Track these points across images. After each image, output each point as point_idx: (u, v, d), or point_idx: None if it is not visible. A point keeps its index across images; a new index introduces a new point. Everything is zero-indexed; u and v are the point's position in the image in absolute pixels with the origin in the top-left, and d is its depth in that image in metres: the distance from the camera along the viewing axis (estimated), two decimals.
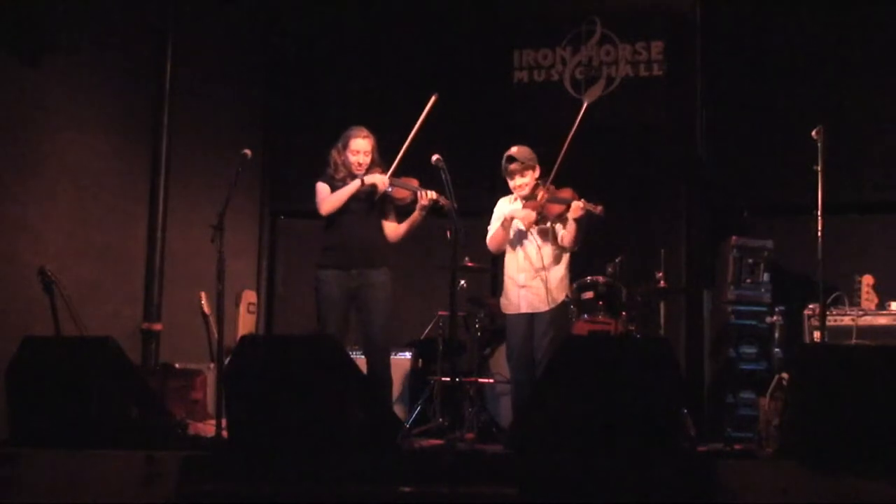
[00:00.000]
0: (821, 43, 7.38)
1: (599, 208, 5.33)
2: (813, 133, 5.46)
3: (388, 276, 5.56)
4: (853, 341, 5.93)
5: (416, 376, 6.96)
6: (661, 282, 6.54)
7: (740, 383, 6.42)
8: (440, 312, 6.78)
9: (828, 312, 5.80)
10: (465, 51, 7.87)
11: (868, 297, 6.15)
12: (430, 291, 7.23)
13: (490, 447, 5.31)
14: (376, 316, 5.50)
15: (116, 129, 6.90)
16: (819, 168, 5.40)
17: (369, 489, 4.24)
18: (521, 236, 5.53)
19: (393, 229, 5.65)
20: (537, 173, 5.54)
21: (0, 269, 6.02)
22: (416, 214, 5.53)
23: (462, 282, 6.61)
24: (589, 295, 6.37)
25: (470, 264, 6.56)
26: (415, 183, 5.54)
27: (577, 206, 5.31)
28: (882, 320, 6.10)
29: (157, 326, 6.94)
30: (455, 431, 5.64)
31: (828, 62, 7.35)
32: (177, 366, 6.57)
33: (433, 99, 5.55)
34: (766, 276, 6.61)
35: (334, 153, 5.63)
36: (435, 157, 5.23)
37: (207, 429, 5.70)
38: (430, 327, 7.03)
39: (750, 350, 6.48)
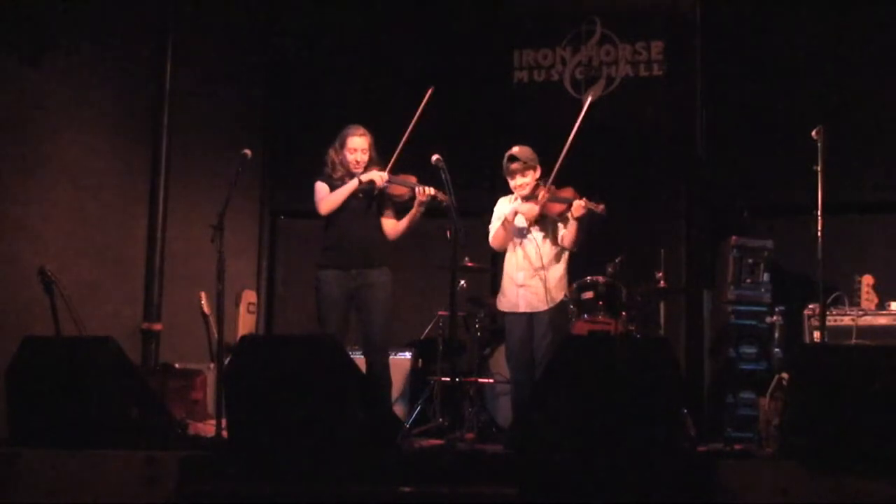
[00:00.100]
0: (821, 43, 7.37)
1: (601, 207, 5.34)
2: (813, 133, 5.46)
3: (388, 276, 5.56)
4: (853, 341, 5.93)
5: (416, 376, 6.96)
6: (661, 282, 6.54)
7: (740, 383, 6.41)
8: (440, 312, 6.78)
9: (828, 312, 5.80)
10: (465, 51, 7.86)
11: (868, 297, 6.15)
12: (430, 291, 7.23)
13: (490, 447, 5.31)
14: (376, 316, 5.50)
15: (116, 129, 6.91)
16: (819, 168, 5.40)
17: (369, 489, 4.24)
18: (520, 235, 5.53)
19: (392, 226, 5.65)
20: (538, 173, 5.53)
21: (0, 269, 6.02)
22: (414, 210, 5.53)
23: (462, 282, 6.61)
24: (589, 295, 6.37)
25: (470, 264, 6.56)
26: (413, 180, 5.55)
27: (579, 205, 5.31)
28: (882, 320, 6.10)
29: (157, 326, 6.95)
30: (455, 431, 5.64)
31: (828, 62, 7.34)
32: (177, 366, 6.57)
33: (429, 92, 5.56)
34: (766, 276, 6.60)
35: (332, 152, 5.64)
36: (435, 157, 5.24)
37: (207, 429, 5.70)
38: (430, 327, 7.03)
39: (750, 350, 6.47)
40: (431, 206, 5.52)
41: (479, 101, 7.78)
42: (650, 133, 7.57)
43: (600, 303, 6.35)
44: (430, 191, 5.45)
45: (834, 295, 6.02)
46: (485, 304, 6.85)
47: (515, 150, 5.52)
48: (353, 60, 8.03)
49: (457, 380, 6.00)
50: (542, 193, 5.44)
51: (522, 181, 5.51)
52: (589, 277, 6.38)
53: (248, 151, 5.48)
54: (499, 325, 6.56)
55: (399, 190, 5.56)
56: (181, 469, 4.36)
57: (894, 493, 3.94)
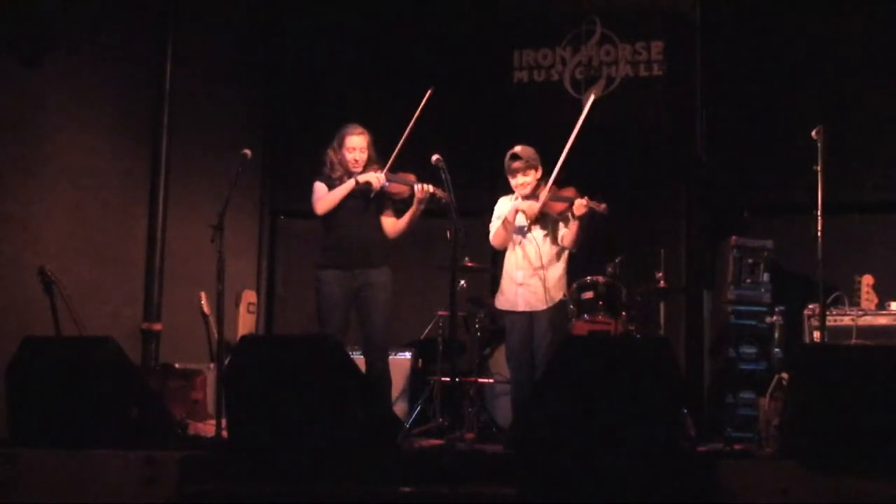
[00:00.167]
0: (821, 43, 7.37)
1: (603, 206, 5.34)
2: (813, 133, 5.46)
3: (388, 276, 5.57)
4: (853, 341, 5.93)
5: (416, 376, 6.96)
6: (661, 282, 6.54)
7: (740, 383, 6.41)
8: (440, 312, 6.78)
9: (828, 312, 5.80)
10: (465, 51, 7.86)
11: (868, 297, 6.15)
12: (430, 291, 7.23)
13: (490, 447, 5.31)
14: (376, 316, 5.50)
15: (116, 129, 6.90)
16: (819, 168, 5.40)
17: (369, 489, 4.24)
18: (520, 234, 5.53)
19: (391, 224, 5.65)
20: (539, 174, 5.54)
21: (0, 269, 6.02)
22: (413, 208, 5.54)
23: (462, 282, 6.61)
24: (589, 295, 6.36)
25: (470, 264, 6.56)
26: (412, 178, 5.56)
27: (581, 204, 5.32)
28: (882, 320, 6.10)
29: (157, 326, 6.94)
30: (455, 431, 5.64)
31: (828, 62, 7.34)
32: (177, 366, 6.57)
33: (429, 92, 5.56)
34: (766, 276, 6.60)
35: (330, 152, 5.64)
36: (435, 157, 5.24)
37: (207, 429, 5.70)
38: (430, 327, 7.03)
39: (750, 350, 6.47)
40: (432, 206, 5.53)
41: (479, 101, 7.78)
42: (650, 133, 7.57)
43: (600, 303, 6.35)
44: (429, 188, 5.46)
45: (834, 295, 6.02)
46: (485, 304, 6.85)
47: (518, 148, 5.53)
48: (353, 60, 8.02)
49: (457, 380, 6.00)
50: (543, 192, 5.45)
51: (524, 180, 5.51)
52: (589, 277, 6.38)
53: (248, 151, 5.49)
54: (499, 326, 6.56)
55: (398, 188, 5.57)
56: (181, 469, 4.36)
57: (894, 493, 3.94)
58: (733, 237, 6.67)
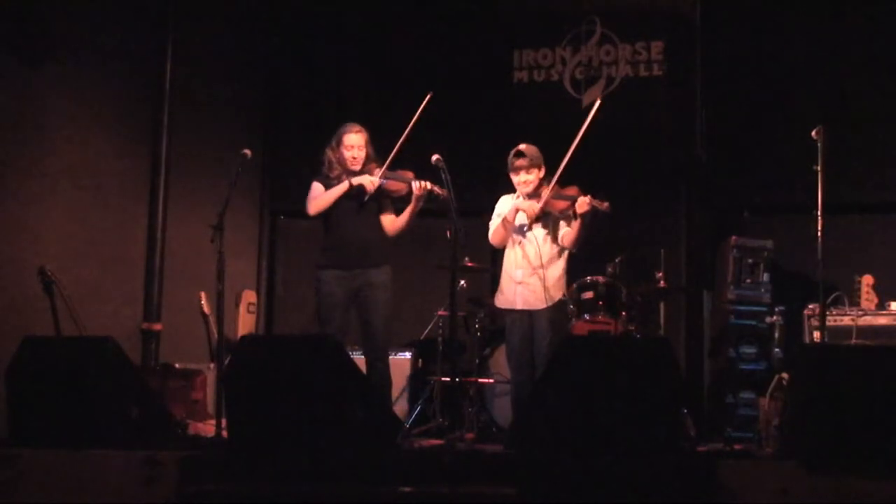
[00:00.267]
0: (821, 43, 7.38)
1: (606, 204, 5.35)
2: (813, 133, 5.46)
3: (388, 276, 5.57)
4: (853, 341, 5.93)
5: (416, 376, 6.97)
6: (661, 282, 6.54)
7: (740, 383, 6.41)
8: (440, 312, 6.78)
9: (828, 312, 5.80)
10: (465, 51, 7.86)
11: (868, 297, 6.15)
12: (430, 291, 7.23)
13: (490, 447, 5.30)
14: (377, 316, 5.50)
15: (116, 129, 6.90)
16: (819, 168, 5.40)
17: (369, 489, 4.24)
18: (520, 233, 5.53)
19: (391, 222, 5.66)
20: (542, 173, 5.55)
21: (0, 269, 6.02)
22: (412, 205, 5.55)
23: (462, 282, 6.61)
24: (589, 295, 6.36)
25: (470, 264, 6.56)
26: (409, 175, 5.56)
27: (584, 201, 5.32)
28: (882, 320, 6.10)
29: (157, 326, 6.94)
30: (455, 431, 5.63)
31: (828, 62, 7.35)
32: (177, 366, 6.57)
33: (428, 97, 5.57)
34: (766, 276, 6.60)
35: (329, 152, 5.65)
36: (435, 157, 5.24)
37: (207, 429, 5.70)
38: (430, 327, 7.03)
39: (750, 350, 6.48)
40: (431, 205, 5.53)
41: (479, 101, 7.78)
42: (650, 133, 7.57)
43: (600, 303, 6.34)
44: (427, 185, 5.47)
45: (834, 295, 6.02)
46: (485, 304, 6.85)
47: (523, 146, 5.54)
48: (353, 60, 8.02)
49: (457, 380, 6.00)
50: (545, 191, 5.45)
51: (526, 178, 5.51)
52: (589, 277, 6.37)
53: (248, 151, 5.49)
54: (499, 326, 6.56)
55: (396, 186, 5.58)
56: (181, 469, 4.36)
57: (894, 493, 3.94)
58: (733, 237, 6.67)
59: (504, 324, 5.74)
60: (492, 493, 4.19)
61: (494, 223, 5.61)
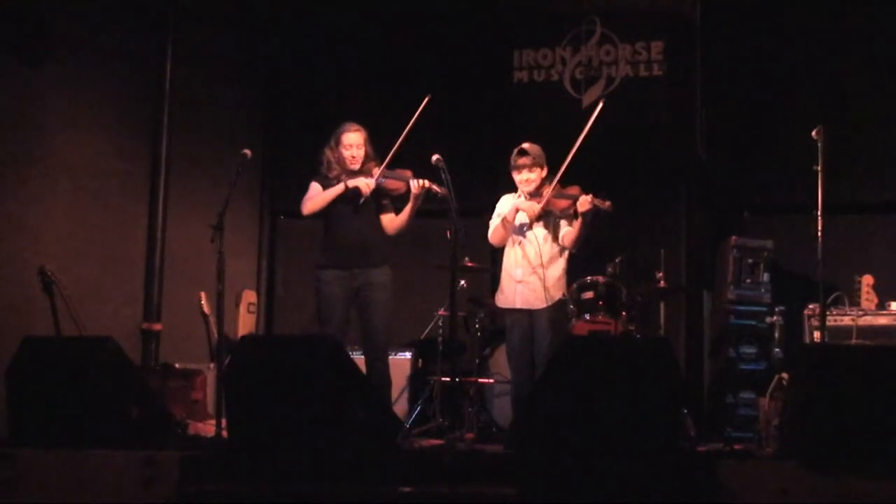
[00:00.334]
0: (821, 43, 7.38)
1: (607, 204, 5.35)
2: (813, 133, 5.46)
3: (388, 276, 5.57)
4: (853, 341, 5.93)
5: (416, 376, 6.97)
6: (661, 282, 6.54)
7: (740, 383, 6.42)
8: (440, 312, 6.79)
9: (828, 312, 5.80)
10: (465, 51, 7.86)
11: (868, 297, 6.15)
12: (430, 291, 7.23)
13: (490, 447, 5.30)
14: (376, 316, 5.50)
15: (116, 129, 6.90)
16: (819, 168, 5.40)
17: (369, 489, 4.24)
18: (521, 232, 5.53)
19: (390, 221, 5.66)
20: (544, 173, 5.55)
21: (0, 269, 6.02)
22: (411, 204, 5.55)
23: (462, 282, 6.61)
24: (589, 295, 6.36)
25: (470, 264, 6.56)
26: (408, 173, 5.56)
27: (585, 200, 5.32)
28: (882, 320, 6.11)
29: (157, 326, 6.94)
30: (455, 431, 5.63)
31: (828, 62, 7.35)
32: (177, 366, 6.57)
33: (426, 100, 5.57)
34: (766, 276, 6.61)
35: (328, 151, 5.65)
36: (435, 157, 5.25)
37: (207, 429, 5.70)
38: (430, 327, 7.03)
39: (750, 350, 6.48)
40: (430, 204, 5.53)
41: (479, 101, 7.78)
42: (650, 133, 7.57)
43: (600, 303, 6.34)
44: (425, 183, 5.46)
45: (834, 295, 6.02)
46: (485, 304, 6.85)
47: (526, 145, 5.55)
48: (353, 60, 8.03)
49: (457, 380, 6.00)
50: (547, 190, 5.46)
51: (528, 176, 5.52)
52: (589, 277, 6.37)
53: (248, 151, 5.50)
54: (499, 326, 6.56)
55: (394, 184, 5.58)
56: (181, 469, 4.36)
57: (894, 493, 3.94)
58: (733, 237, 6.68)
59: (504, 324, 5.74)
60: (492, 493, 4.19)
61: (494, 223, 5.61)
